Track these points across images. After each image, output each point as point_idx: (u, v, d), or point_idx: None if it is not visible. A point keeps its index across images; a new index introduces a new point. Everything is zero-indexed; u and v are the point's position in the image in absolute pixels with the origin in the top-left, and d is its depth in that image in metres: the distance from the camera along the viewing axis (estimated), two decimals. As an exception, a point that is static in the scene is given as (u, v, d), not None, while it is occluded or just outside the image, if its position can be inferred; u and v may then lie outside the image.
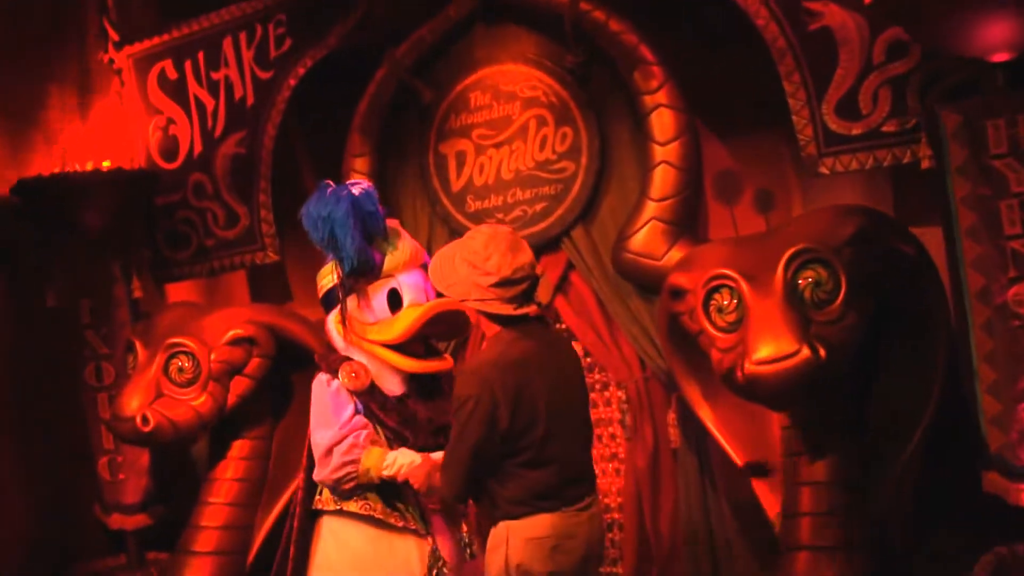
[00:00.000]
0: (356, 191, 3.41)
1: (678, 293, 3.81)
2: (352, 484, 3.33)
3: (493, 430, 2.92)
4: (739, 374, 3.37)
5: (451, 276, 3.12)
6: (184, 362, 4.53)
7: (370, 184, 3.51)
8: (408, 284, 3.44)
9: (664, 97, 4.46)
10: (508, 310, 3.04)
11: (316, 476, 3.40)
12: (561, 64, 4.75)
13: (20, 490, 5.22)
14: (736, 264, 3.56)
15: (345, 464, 3.32)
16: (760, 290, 3.46)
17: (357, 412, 3.47)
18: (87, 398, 5.28)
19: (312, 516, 3.47)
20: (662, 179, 4.46)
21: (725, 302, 3.56)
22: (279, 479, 4.85)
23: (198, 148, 5.42)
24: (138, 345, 4.66)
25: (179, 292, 5.67)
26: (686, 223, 4.52)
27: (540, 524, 2.98)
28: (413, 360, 3.41)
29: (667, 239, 4.45)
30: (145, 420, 4.42)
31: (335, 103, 5.20)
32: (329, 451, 3.34)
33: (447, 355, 3.60)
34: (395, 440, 3.43)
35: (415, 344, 3.44)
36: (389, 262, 3.43)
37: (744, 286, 3.49)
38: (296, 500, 3.53)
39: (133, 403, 4.46)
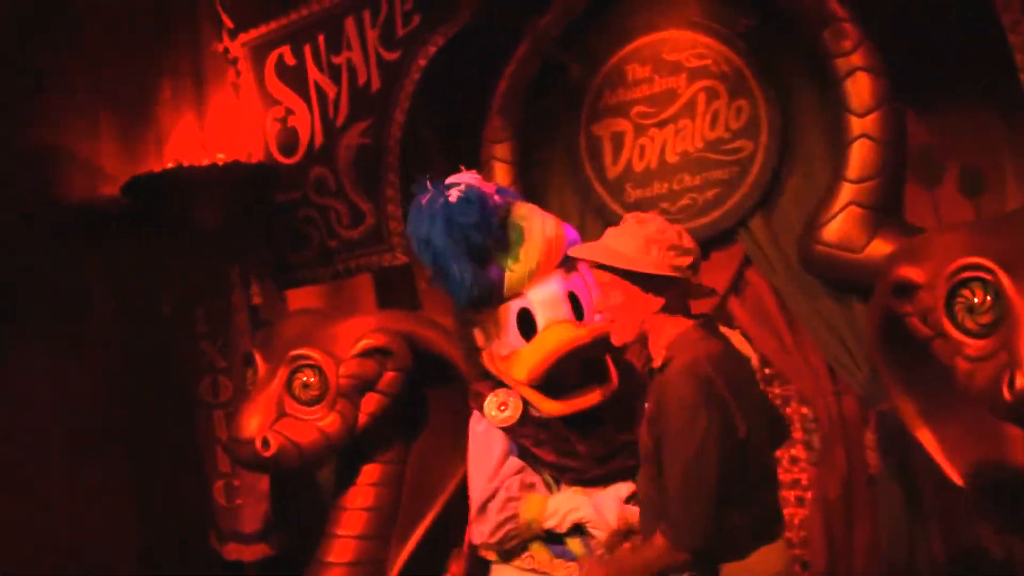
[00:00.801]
0: (453, 197, 2.86)
1: (906, 289, 3.10)
2: (515, 542, 2.89)
3: (732, 442, 2.45)
4: (1005, 390, 2.65)
5: (639, 253, 2.59)
6: (310, 377, 4.00)
7: (473, 179, 2.95)
8: (540, 300, 2.89)
9: (861, 59, 3.80)
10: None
11: (475, 539, 2.95)
12: (733, 27, 4.16)
13: (130, 514, 4.90)
14: (990, 252, 2.84)
15: (502, 524, 2.87)
16: (1026, 285, 2.74)
17: (510, 452, 2.99)
18: (202, 415, 4.85)
19: (481, 565, 2.97)
20: (861, 156, 3.81)
21: (977, 300, 2.85)
22: (414, 508, 4.30)
23: (319, 140, 4.95)
24: (258, 358, 4.16)
25: (300, 298, 5.20)
26: (891, 208, 3.85)
27: (771, 559, 2.52)
28: (555, 402, 2.90)
29: (868, 227, 3.80)
30: (266, 443, 3.90)
31: (471, 84, 4.67)
32: (483, 508, 2.90)
33: (611, 375, 2.94)
34: (559, 475, 2.91)
35: (563, 375, 2.87)
36: (511, 279, 2.89)
37: (1005, 279, 2.77)
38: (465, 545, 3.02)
39: (253, 423, 3.95)
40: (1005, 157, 4.05)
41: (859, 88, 3.79)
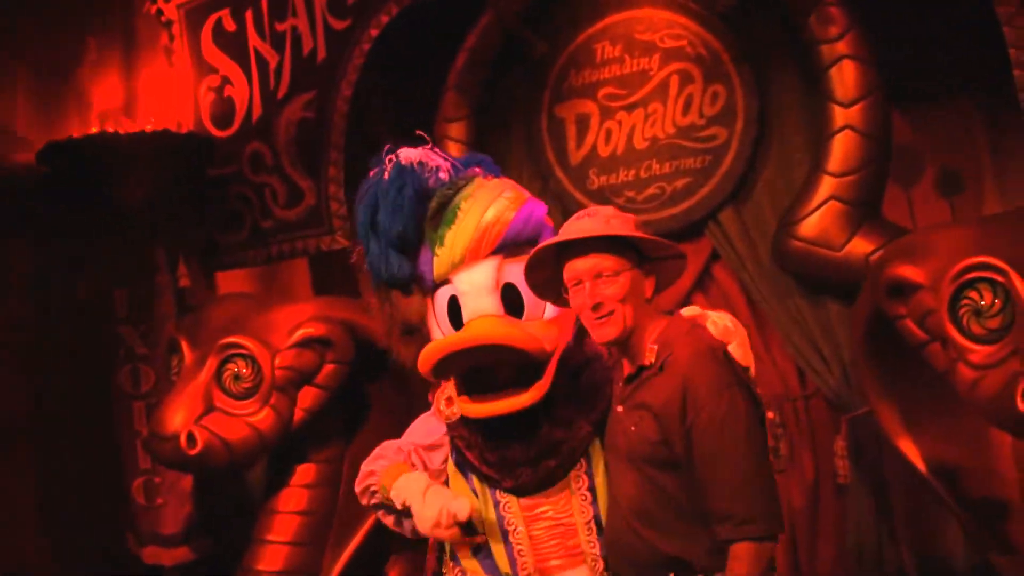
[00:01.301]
0: (387, 173, 2.60)
1: (902, 290, 2.89)
2: (374, 500, 2.73)
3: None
4: (1020, 401, 2.44)
5: (629, 230, 2.36)
6: (242, 368, 3.66)
7: (419, 153, 2.65)
8: (464, 290, 2.59)
9: (847, 47, 3.60)
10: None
11: None
12: (711, 7, 3.91)
13: (39, 514, 4.54)
14: (1000, 252, 2.63)
15: (365, 475, 2.76)
16: (1042, 287, 2.54)
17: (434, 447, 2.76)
18: (120, 407, 4.49)
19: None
20: (844, 148, 3.60)
21: (985, 302, 2.64)
22: (352, 512, 3.97)
23: (257, 112, 4.60)
24: (184, 345, 3.80)
25: (229, 283, 4.82)
26: (872, 204, 3.65)
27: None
28: (472, 403, 2.57)
29: (848, 224, 3.60)
30: (191, 440, 3.56)
31: (425, 58, 4.33)
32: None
33: (546, 374, 2.55)
34: (486, 483, 2.62)
35: (487, 373, 2.58)
36: (437, 264, 2.60)
37: (1018, 281, 2.56)
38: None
39: (177, 418, 3.60)
40: (984, 158, 3.91)
41: (845, 77, 3.58)
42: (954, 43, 3.73)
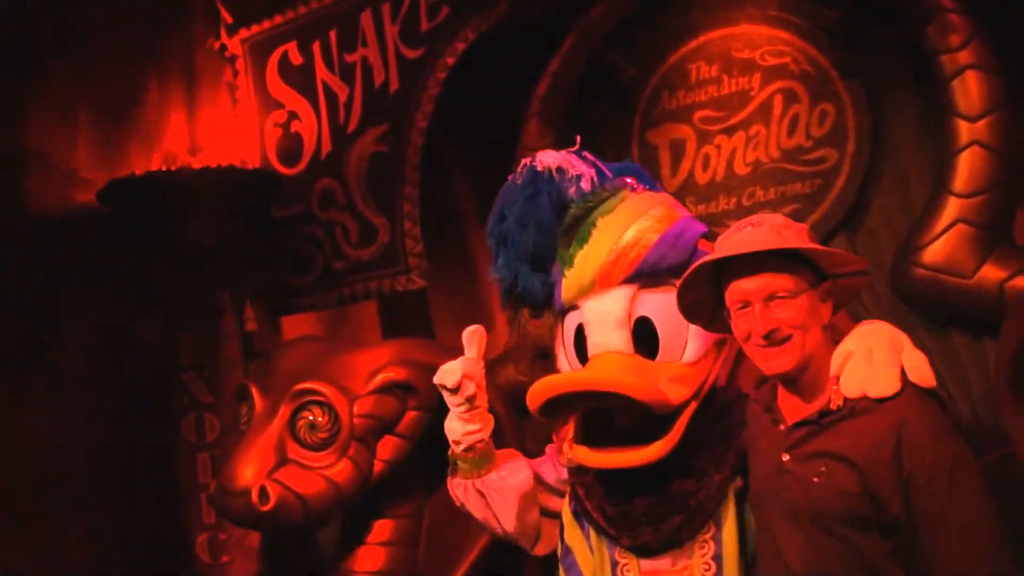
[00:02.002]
0: (520, 178, 2.40)
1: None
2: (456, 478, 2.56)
3: None
4: None
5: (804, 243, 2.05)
6: (318, 416, 3.38)
7: (561, 157, 2.44)
8: (591, 319, 2.31)
9: (972, 56, 3.30)
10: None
11: None
12: (816, 20, 3.62)
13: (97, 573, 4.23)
14: None
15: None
16: None
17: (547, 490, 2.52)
18: (184, 458, 4.22)
19: None
20: (972, 167, 3.29)
21: None
22: (433, 572, 3.65)
23: (327, 147, 4.40)
24: (255, 392, 3.53)
25: (295, 326, 4.57)
26: (1003, 227, 3.33)
27: None
28: (588, 450, 2.31)
29: (978, 248, 3.29)
30: (264, 495, 3.27)
31: (505, 86, 4.09)
32: None
33: (676, 429, 2.25)
34: (606, 541, 2.34)
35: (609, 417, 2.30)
36: (565, 287, 2.34)
37: None
38: None
39: (248, 471, 3.32)
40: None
41: (969, 89, 3.28)
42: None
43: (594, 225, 2.30)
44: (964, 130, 3.27)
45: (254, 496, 3.26)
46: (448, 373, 2.39)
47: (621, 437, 2.26)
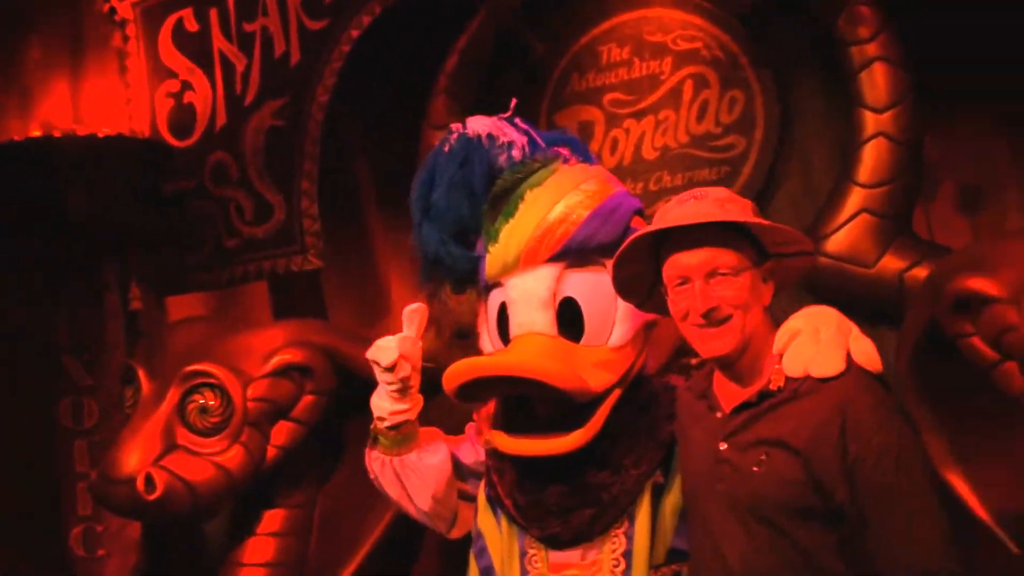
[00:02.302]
0: (447, 145, 2.29)
1: (972, 305, 2.56)
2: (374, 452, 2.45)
3: None
4: None
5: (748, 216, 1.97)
6: (209, 399, 3.23)
7: (492, 124, 2.34)
8: (514, 298, 2.21)
9: (880, 48, 3.30)
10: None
11: None
12: (729, 7, 3.58)
13: None
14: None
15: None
16: None
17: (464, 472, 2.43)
18: (59, 445, 3.98)
19: None
20: (876, 157, 3.30)
21: (1080, 315, 2.32)
22: (325, 565, 3.51)
23: (221, 120, 4.21)
24: (141, 374, 3.35)
25: (181, 307, 4.35)
26: (904, 218, 3.36)
27: None
28: (506, 436, 2.22)
29: (880, 238, 3.29)
30: (150, 483, 3.10)
31: (412, 61, 3.97)
32: None
33: (597, 417, 2.17)
34: (516, 529, 2.26)
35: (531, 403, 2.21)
36: (488, 263, 2.24)
37: (1119, 291, 2.26)
38: None
39: (133, 458, 3.15)
40: (1007, 175, 3.64)
41: (876, 81, 3.28)
42: (977, 55, 3.49)
43: (522, 198, 2.20)
44: (870, 121, 3.29)
45: (139, 484, 3.09)
46: (384, 350, 2.26)
47: (541, 424, 2.18)
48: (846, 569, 1.84)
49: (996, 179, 3.61)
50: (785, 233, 1.96)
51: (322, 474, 3.62)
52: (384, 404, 2.32)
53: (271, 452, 3.31)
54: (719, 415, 2.00)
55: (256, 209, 4.09)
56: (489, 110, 3.88)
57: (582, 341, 2.19)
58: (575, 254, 2.19)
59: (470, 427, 2.48)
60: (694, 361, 3.19)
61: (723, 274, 1.90)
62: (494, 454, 2.32)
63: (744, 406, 1.96)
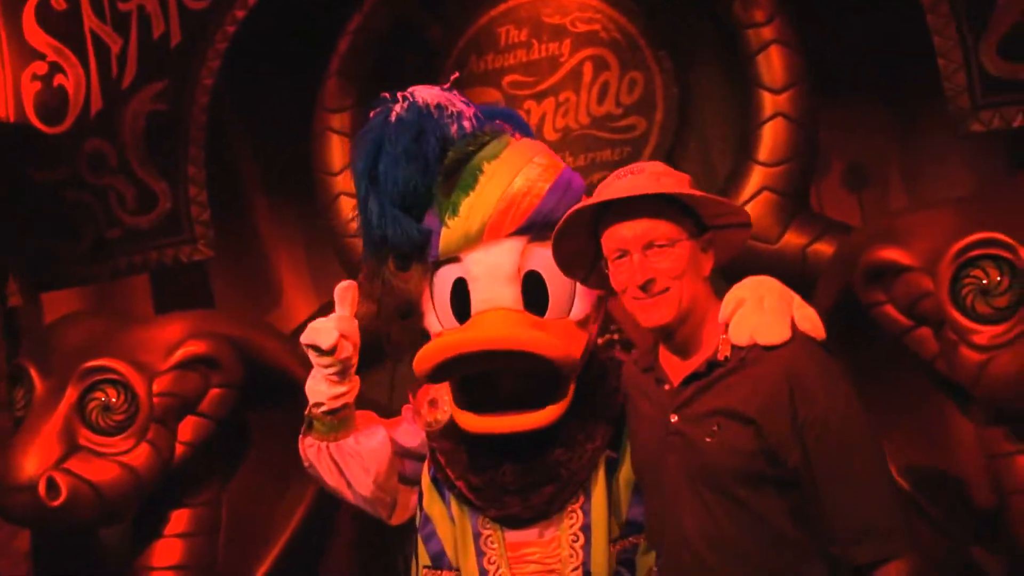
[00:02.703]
0: (393, 114, 2.19)
1: (885, 274, 2.70)
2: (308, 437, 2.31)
3: None
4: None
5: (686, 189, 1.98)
6: (112, 396, 3.05)
7: (437, 93, 2.25)
8: (478, 273, 2.17)
9: (775, 32, 3.45)
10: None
11: None
12: (627, -11, 3.64)
13: None
14: (1000, 228, 2.50)
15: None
16: (1046, 262, 2.42)
17: (409, 457, 2.35)
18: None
19: None
20: (775, 137, 3.44)
21: (992, 280, 2.47)
22: (236, 563, 3.38)
23: (96, 104, 3.94)
24: (33, 372, 3.13)
25: (55, 303, 4.08)
26: (802, 195, 3.52)
27: None
28: (472, 415, 2.17)
29: (782, 215, 3.45)
30: (53, 488, 2.91)
31: (302, 42, 3.86)
32: None
33: (567, 391, 2.16)
34: (469, 511, 2.21)
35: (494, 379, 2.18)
36: (446, 237, 2.17)
37: (1025, 255, 2.43)
38: None
39: (31, 462, 2.95)
40: (891, 153, 3.85)
41: (773, 63, 3.42)
42: (860, 36, 3.66)
43: (480, 170, 2.14)
44: (768, 102, 3.41)
45: (41, 490, 2.89)
46: (322, 332, 2.16)
47: (505, 401, 2.15)
48: (801, 534, 1.88)
49: (880, 158, 3.81)
50: (720, 205, 1.99)
51: (227, 469, 3.49)
52: (322, 388, 2.22)
53: (179, 449, 3.17)
54: (667, 387, 2.01)
55: (139, 197, 3.87)
56: (382, 93, 3.87)
57: (546, 315, 2.18)
58: (538, 227, 2.16)
59: (406, 409, 2.43)
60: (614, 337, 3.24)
61: (660, 246, 1.91)
62: (437, 435, 2.28)
63: (692, 377, 1.97)
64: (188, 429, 3.18)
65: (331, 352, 2.14)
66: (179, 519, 3.34)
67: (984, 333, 2.49)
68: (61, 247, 3.93)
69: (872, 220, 3.14)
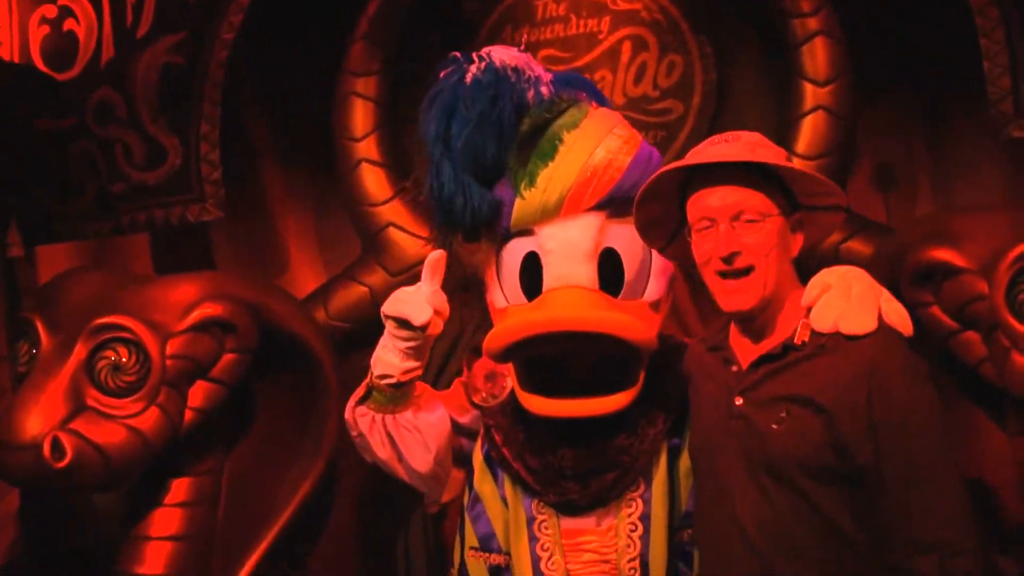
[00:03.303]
0: (468, 76, 2.11)
1: (935, 275, 2.64)
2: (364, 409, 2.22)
3: None
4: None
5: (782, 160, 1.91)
6: (123, 356, 2.91)
7: (514, 55, 2.17)
8: (553, 248, 2.07)
9: (821, 23, 3.38)
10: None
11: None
12: (671, -30, 3.55)
13: None
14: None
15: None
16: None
17: (460, 433, 2.27)
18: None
19: None
20: (815, 130, 3.39)
21: (1049, 287, 2.42)
22: (235, 539, 3.26)
23: (108, 53, 3.79)
24: (40, 327, 2.98)
25: (50, 258, 3.93)
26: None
27: None
28: (539, 397, 2.08)
29: (821, 210, 3.31)
30: (58, 448, 2.77)
31: (329, 2, 3.71)
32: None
33: (638, 377, 2.08)
34: (524, 494, 2.13)
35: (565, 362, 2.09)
36: (521, 209, 2.08)
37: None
38: None
39: (35, 421, 2.79)
40: (921, 157, 3.80)
41: (818, 55, 3.36)
42: (896, 38, 3.61)
43: (560, 140, 2.06)
44: (810, 94, 3.35)
45: (46, 450, 2.74)
46: (414, 307, 2.05)
47: (576, 385, 2.06)
48: (860, 534, 1.81)
49: (911, 161, 3.76)
50: (819, 183, 1.90)
51: (230, 437, 3.36)
52: (394, 361, 2.13)
53: (188, 415, 3.02)
54: (735, 369, 1.94)
55: (148, 152, 3.72)
56: (413, 60, 3.74)
57: (620, 295, 2.09)
58: (618, 203, 2.08)
59: (457, 383, 2.34)
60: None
61: (750, 219, 1.83)
62: (496, 411, 2.19)
63: (764, 359, 1.89)
64: (199, 394, 3.04)
65: (422, 329, 2.04)
66: (179, 488, 3.19)
67: (1044, 337, 2.44)
68: (63, 200, 3.77)
69: (924, 220, 3.06)
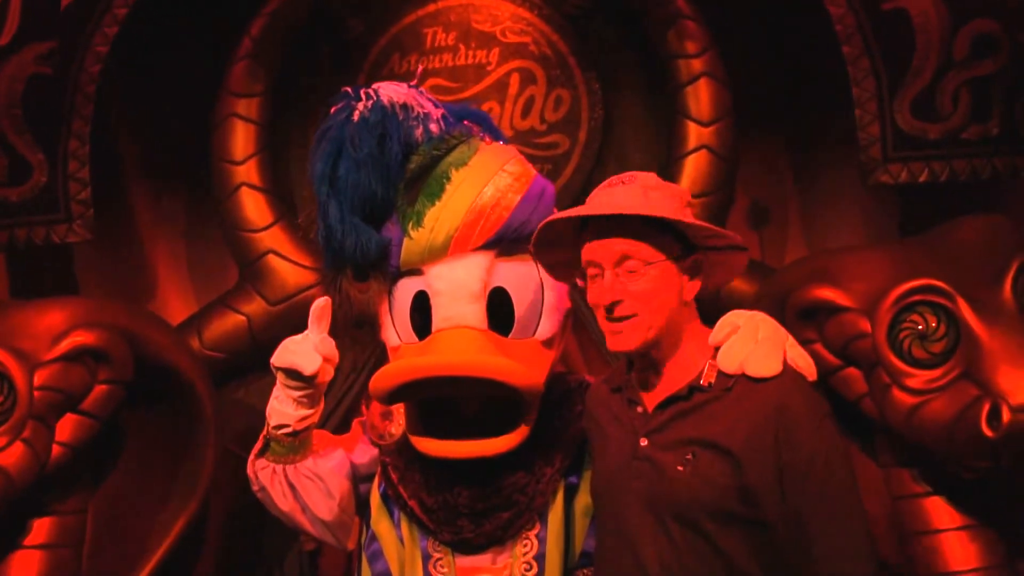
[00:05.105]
0: (356, 114, 2.06)
1: (818, 313, 2.74)
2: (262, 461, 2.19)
3: None
4: (985, 426, 2.38)
5: (676, 210, 1.90)
6: (-14, 387, 2.71)
7: (404, 92, 2.15)
8: (440, 288, 2.07)
9: (706, 65, 3.48)
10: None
11: None
12: (560, 7, 3.61)
13: None
14: (928, 276, 2.59)
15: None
16: (984, 311, 2.50)
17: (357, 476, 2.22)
18: None
19: None
20: (698, 169, 3.49)
21: (926, 326, 2.55)
22: (98, 578, 3.08)
23: (-33, 60, 3.52)
24: None
25: None
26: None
27: None
28: (428, 439, 2.09)
29: (699, 249, 3.40)
30: (-88, 487, 2.55)
31: (212, 19, 3.62)
32: None
33: (529, 418, 2.09)
34: (420, 533, 2.11)
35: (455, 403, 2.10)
36: (409, 249, 2.08)
37: (963, 304, 2.52)
38: None
39: None
40: (790, 192, 3.95)
41: (701, 96, 3.46)
42: (765, 78, 3.76)
43: (448, 178, 2.04)
44: (694, 134, 3.44)
45: None
46: (303, 356, 1.99)
47: (466, 425, 2.03)
48: (764, 575, 1.83)
49: (781, 197, 3.91)
50: (706, 229, 1.91)
51: (97, 474, 3.18)
52: (289, 411, 2.07)
53: (55, 450, 2.84)
54: (640, 410, 1.94)
55: (10, 168, 3.49)
56: (298, 82, 3.66)
57: (511, 335, 2.08)
58: (507, 242, 2.08)
59: (357, 424, 2.28)
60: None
61: (631, 269, 1.84)
62: (393, 450, 2.15)
63: (670, 401, 1.90)
64: (68, 428, 2.86)
65: (312, 378, 1.98)
66: (40, 529, 3.00)
67: (919, 377, 2.55)
68: (-87, 215, 3.50)
69: (807, 260, 3.17)
